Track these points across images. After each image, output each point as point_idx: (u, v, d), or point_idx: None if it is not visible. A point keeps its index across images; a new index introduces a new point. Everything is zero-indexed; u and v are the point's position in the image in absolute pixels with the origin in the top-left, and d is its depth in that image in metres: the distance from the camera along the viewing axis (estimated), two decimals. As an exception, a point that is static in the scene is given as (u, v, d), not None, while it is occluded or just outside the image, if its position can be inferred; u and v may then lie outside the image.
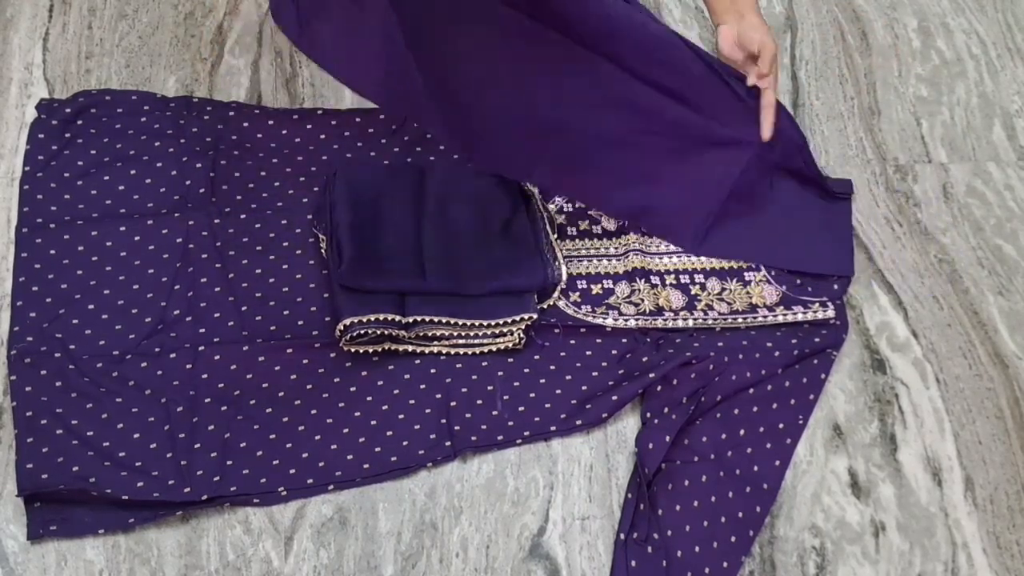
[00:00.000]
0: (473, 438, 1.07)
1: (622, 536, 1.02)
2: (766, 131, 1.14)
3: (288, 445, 1.05)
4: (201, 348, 1.09)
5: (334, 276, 1.11)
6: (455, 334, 1.12)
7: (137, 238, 1.16)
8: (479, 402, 1.10)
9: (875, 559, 1.05)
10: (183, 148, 1.24)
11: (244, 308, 1.13)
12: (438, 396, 1.10)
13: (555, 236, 1.20)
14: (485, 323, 1.11)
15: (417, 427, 1.08)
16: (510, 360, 1.13)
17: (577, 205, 1.25)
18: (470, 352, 1.13)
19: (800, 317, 1.18)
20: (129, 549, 0.99)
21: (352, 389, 1.10)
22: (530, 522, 1.04)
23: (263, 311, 1.13)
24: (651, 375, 1.10)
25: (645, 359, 1.13)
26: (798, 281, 1.21)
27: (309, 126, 1.29)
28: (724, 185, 1.20)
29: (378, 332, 1.09)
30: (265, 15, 1.40)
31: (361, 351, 1.11)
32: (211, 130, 1.26)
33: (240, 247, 1.18)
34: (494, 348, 1.12)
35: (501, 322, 1.11)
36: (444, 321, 1.11)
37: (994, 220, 1.31)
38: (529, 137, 1.20)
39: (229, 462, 1.03)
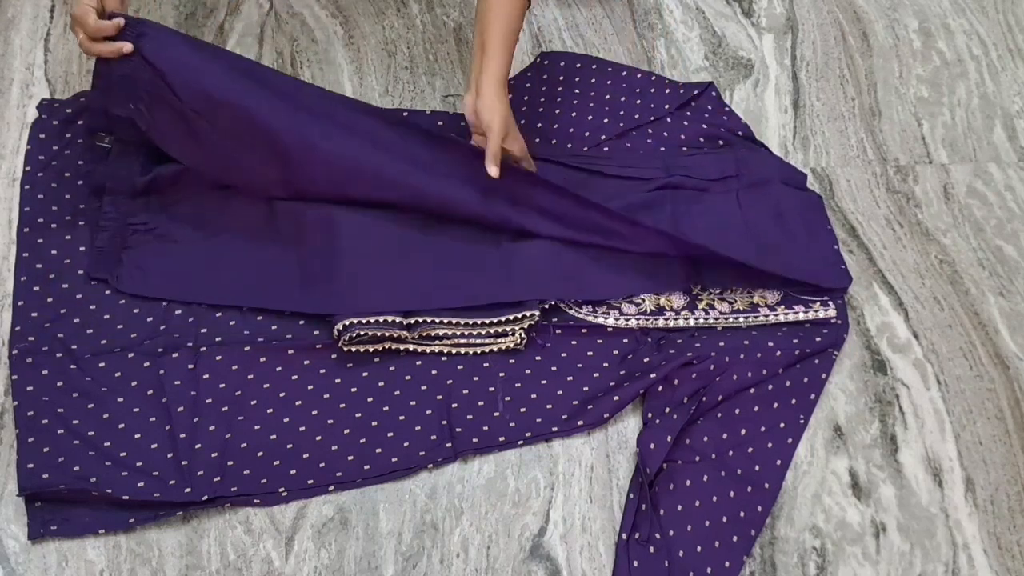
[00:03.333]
0: (474, 439, 1.07)
1: (623, 536, 1.02)
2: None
3: (289, 446, 1.05)
4: (203, 349, 1.09)
5: None
6: (456, 333, 1.12)
7: (138, 238, 1.17)
8: (480, 403, 1.10)
9: (876, 560, 1.05)
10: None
11: (244, 308, 1.13)
12: (439, 397, 1.10)
13: None
14: (486, 322, 1.12)
15: (418, 428, 1.08)
16: (511, 361, 1.13)
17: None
18: (471, 352, 1.13)
19: (801, 316, 1.18)
20: (130, 549, 0.99)
21: (353, 390, 1.09)
22: (531, 523, 1.04)
23: (264, 311, 1.13)
24: (652, 375, 1.10)
25: (646, 359, 1.13)
26: (799, 281, 1.21)
27: (310, 126, 1.29)
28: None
29: (378, 333, 1.09)
30: (266, 16, 1.40)
31: (362, 350, 1.10)
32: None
33: (241, 247, 1.18)
34: (495, 348, 1.12)
35: (503, 319, 1.12)
36: (445, 321, 1.11)
37: (995, 221, 1.31)
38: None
39: (230, 462, 1.03)
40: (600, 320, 1.15)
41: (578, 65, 1.38)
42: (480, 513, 1.05)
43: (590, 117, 1.33)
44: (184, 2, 1.40)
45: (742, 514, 1.05)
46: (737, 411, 1.10)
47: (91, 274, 1.13)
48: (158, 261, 1.14)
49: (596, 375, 1.13)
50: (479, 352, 1.13)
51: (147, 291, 1.12)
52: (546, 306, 1.15)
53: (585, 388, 1.12)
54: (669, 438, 1.06)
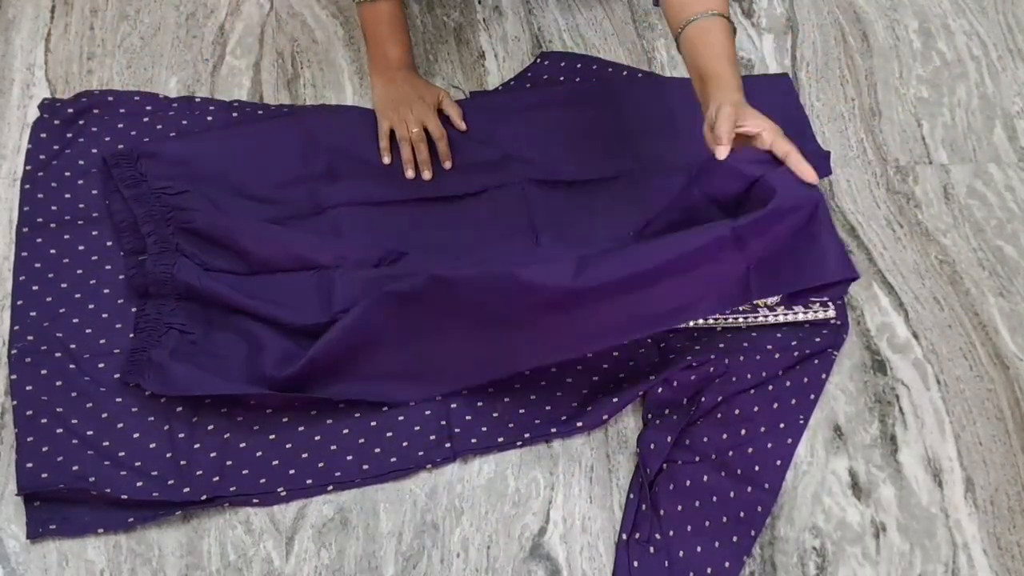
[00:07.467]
0: (473, 440, 1.07)
1: (623, 536, 1.02)
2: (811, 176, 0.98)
3: (288, 445, 1.05)
4: (201, 348, 1.09)
5: None
6: None
7: (138, 238, 1.16)
8: (479, 404, 1.10)
9: (875, 560, 1.05)
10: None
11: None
12: (438, 398, 1.09)
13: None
14: None
15: (417, 428, 1.08)
16: (511, 361, 1.13)
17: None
18: None
19: (801, 317, 1.17)
20: (130, 549, 0.99)
21: (352, 389, 1.10)
22: (531, 522, 1.04)
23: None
24: (652, 377, 1.10)
25: (646, 361, 1.13)
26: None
27: (310, 126, 1.29)
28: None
29: None
30: (267, 16, 1.40)
31: None
32: (213, 131, 1.26)
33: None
34: None
35: None
36: None
37: (995, 221, 1.31)
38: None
39: (229, 462, 1.03)
40: None
41: (578, 65, 1.38)
42: (480, 513, 1.04)
43: (590, 117, 1.33)
44: (184, 2, 1.40)
45: (742, 514, 1.05)
46: (737, 411, 1.10)
47: (124, 380, 1.05)
48: (183, 366, 1.05)
49: (595, 378, 1.12)
50: None
51: (167, 390, 1.04)
52: None
53: (584, 390, 1.12)
54: (669, 438, 1.06)
